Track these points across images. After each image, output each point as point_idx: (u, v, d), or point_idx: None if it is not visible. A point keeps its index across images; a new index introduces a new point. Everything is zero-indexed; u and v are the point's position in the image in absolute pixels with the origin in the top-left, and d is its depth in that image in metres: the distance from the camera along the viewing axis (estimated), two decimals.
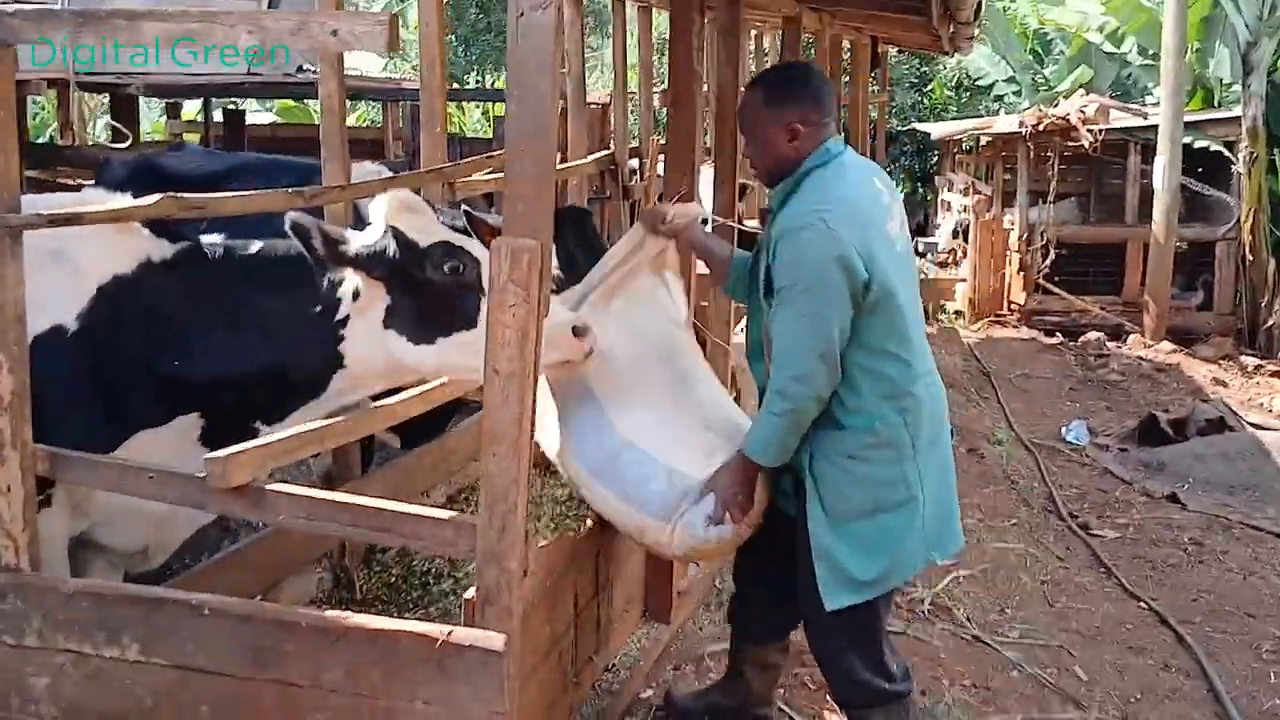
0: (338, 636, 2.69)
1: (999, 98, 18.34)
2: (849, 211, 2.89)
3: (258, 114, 18.37)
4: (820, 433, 3.00)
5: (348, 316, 3.05)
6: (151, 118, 17.06)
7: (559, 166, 7.01)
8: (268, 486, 2.81)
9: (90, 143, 12.27)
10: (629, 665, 3.89)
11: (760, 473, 3.06)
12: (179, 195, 3.14)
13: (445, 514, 2.75)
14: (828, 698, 3.93)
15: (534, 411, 2.56)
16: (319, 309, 3.06)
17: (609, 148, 7.54)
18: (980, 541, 5.76)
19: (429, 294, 3.02)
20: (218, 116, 12.56)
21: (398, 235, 3.03)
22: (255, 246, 3.19)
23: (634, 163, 7.90)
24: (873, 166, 3.17)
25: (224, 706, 2.78)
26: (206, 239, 3.23)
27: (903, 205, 3.14)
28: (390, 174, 4.44)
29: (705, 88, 6.45)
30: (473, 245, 3.09)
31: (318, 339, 3.07)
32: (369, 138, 13.81)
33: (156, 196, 3.09)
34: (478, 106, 18.80)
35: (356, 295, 3.04)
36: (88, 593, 2.85)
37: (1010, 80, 18.05)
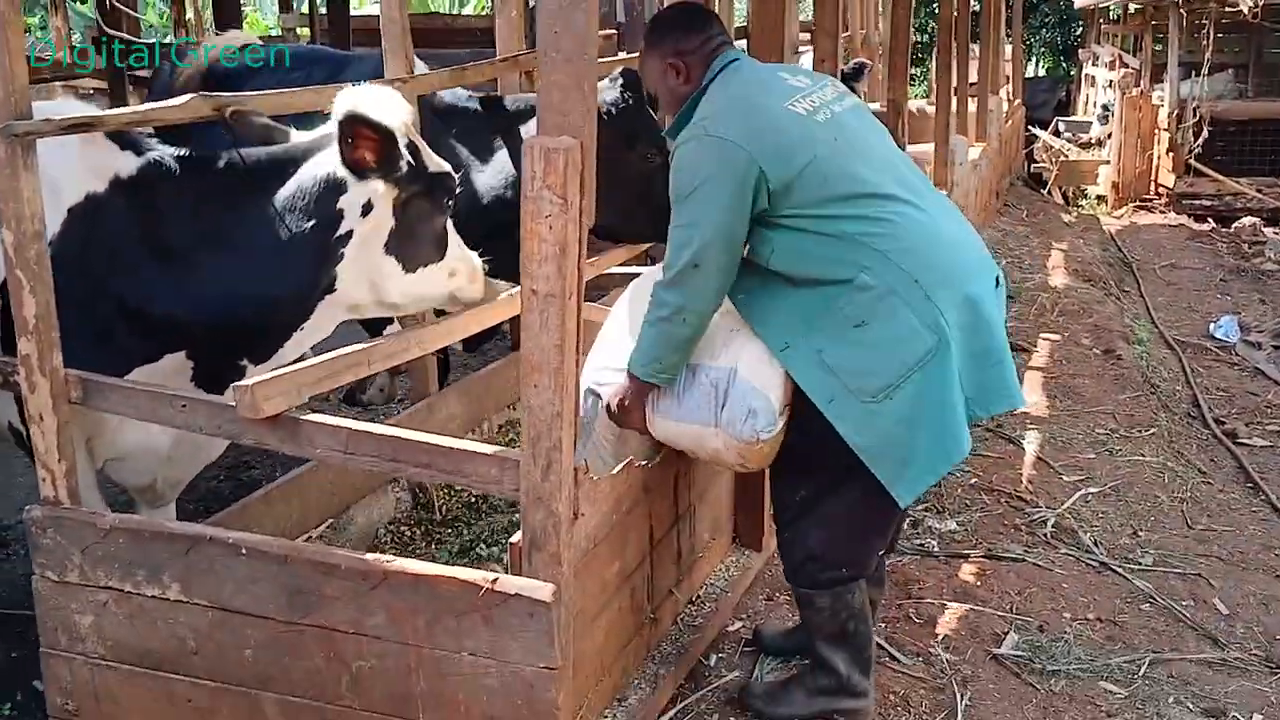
0: (378, 581, 2.48)
1: None
2: (731, 108, 2.77)
3: (374, 6, 18.14)
4: (817, 319, 2.75)
5: (350, 232, 2.78)
6: (273, 10, 17.07)
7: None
8: (303, 417, 2.58)
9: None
10: (715, 597, 3.62)
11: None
12: (210, 94, 2.89)
13: (489, 449, 2.48)
14: (935, 635, 3.62)
15: (578, 334, 2.25)
16: (313, 223, 2.77)
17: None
18: (1113, 454, 5.29)
19: (426, 221, 2.83)
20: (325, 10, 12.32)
21: (416, 154, 2.74)
22: (230, 155, 2.88)
23: (742, 44, 7.41)
24: (783, 66, 3.15)
25: (267, 650, 2.62)
26: (171, 150, 2.92)
27: (836, 84, 3.02)
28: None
29: None
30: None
31: (314, 258, 2.80)
32: (481, 26, 13.45)
33: (186, 97, 2.87)
34: None
35: (367, 211, 2.76)
36: (125, 529, 2.69)
37: None
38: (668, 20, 3.06)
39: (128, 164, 2.84)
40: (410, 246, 2.84)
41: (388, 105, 2.73)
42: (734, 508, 3.83)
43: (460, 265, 2.99)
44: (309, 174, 2.79)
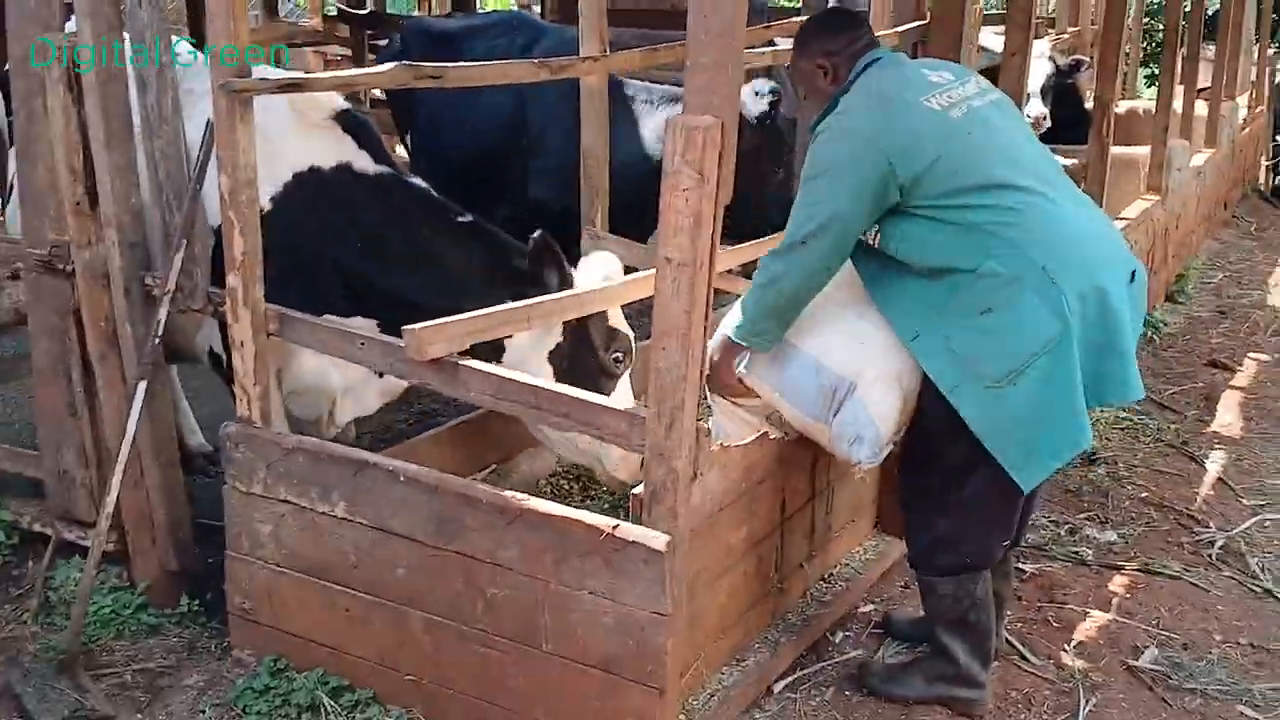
0: (514, 517, 2.70)
1: None
2: (867, 103, 2.87)
3: None
4: (945, 307, 2.80)
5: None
6: None
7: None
8: (460, 362, 2.83)
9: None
10: (848, 577, 3.70)
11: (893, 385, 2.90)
12: (414, 64, 3.15)
13: (621, 405, 2.66)
14: (1070, 641, 3.59)
15: (707, 303, 2.40)
16: (498, 289, 3.17)
17: (925, 18, 6.97)
18: None
19: (591, 376, 3.19)
20: None
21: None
22: (468, 218, 3.36)
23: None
24: (930, 61, 3.19)
25: (416, 571, 2.88)
26: (415, 180, 3.42)
27: (980, 80, 3.08)
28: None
29: None
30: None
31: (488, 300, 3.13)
32: (684, 9, 13.64)
33: (389, 65, 3.12)
34: None
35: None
36: (304, 449, 3.01)
37: None
38: (815, 25, 3.17)
39: (362, 160, 3.35)
40: (570, 376, 3.17)
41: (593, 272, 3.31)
42: (879, 492, 3.88)
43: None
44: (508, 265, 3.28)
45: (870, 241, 2.88)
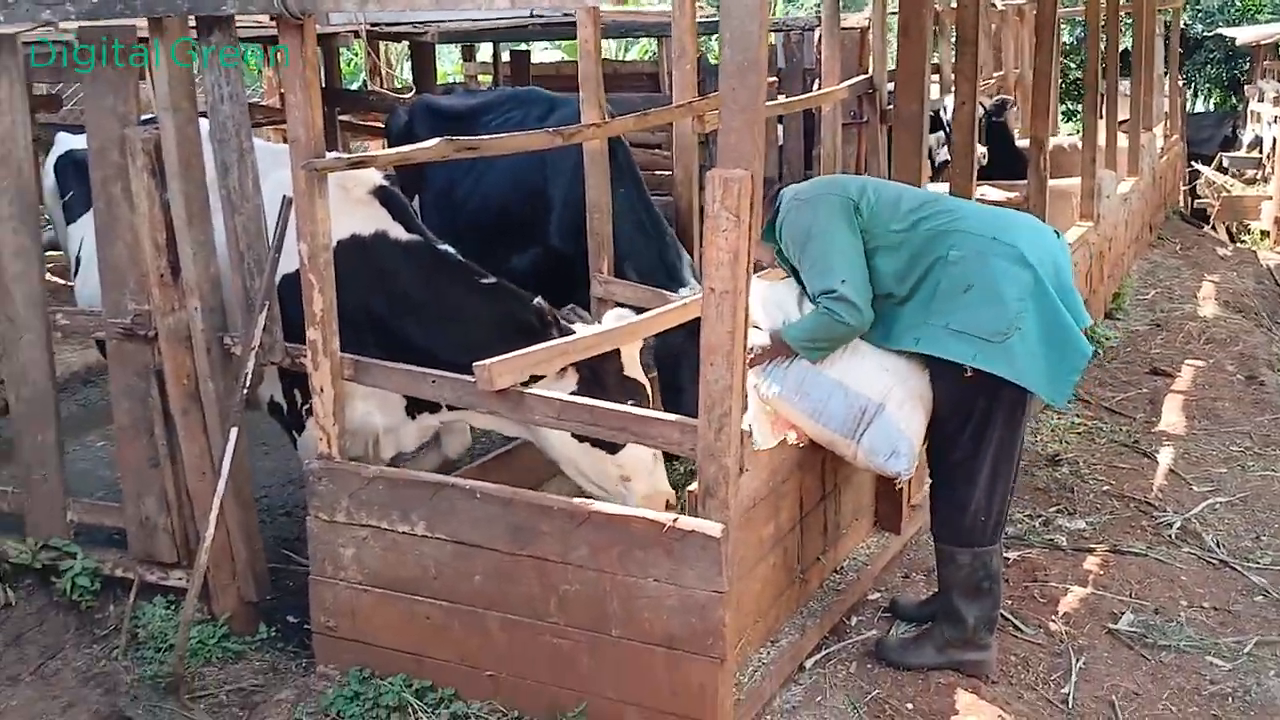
0: (583, 520, 3.12)
1: None
2: (802, 187, 3.61)
3: (547, 52, 19.22)
4: (931, 304, 3.38)
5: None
6: (453, 59, 18.28)
7: (814, 94, 7.17)
8: (526, 391, 3.26)
9: (397, 86, 13.44)
10: (856, 569, 4.15)
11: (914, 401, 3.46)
12: (454, 139, 3.60)
13: (672, 416, 3.10)
14: (1056, 612, 4.06)
15: (745, 325, 2.85)
16: (506, 343, 3.50)
17: (867, 72, 7.58)
18: (1245, 469, 5.57)
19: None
20: (506, 57, 13.34)
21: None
22: (491, 280, 3.77)
23: (893, 85, 7.92)
24: None
25: (492, 576, 3.28)
26: (444, 246, 3.85)
27: None
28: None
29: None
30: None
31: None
32: (646, 71, 14.30)
33: (435, 141, 3.56)
34: None
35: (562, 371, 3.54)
36: (384, 477, 3.41)
37: None
38: None
39: (397, 230, 3.80)
40: None
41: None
42: (875, 494, 4.35)
43: (638, 475, 3.57)
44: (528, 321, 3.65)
45: None
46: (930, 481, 3.66)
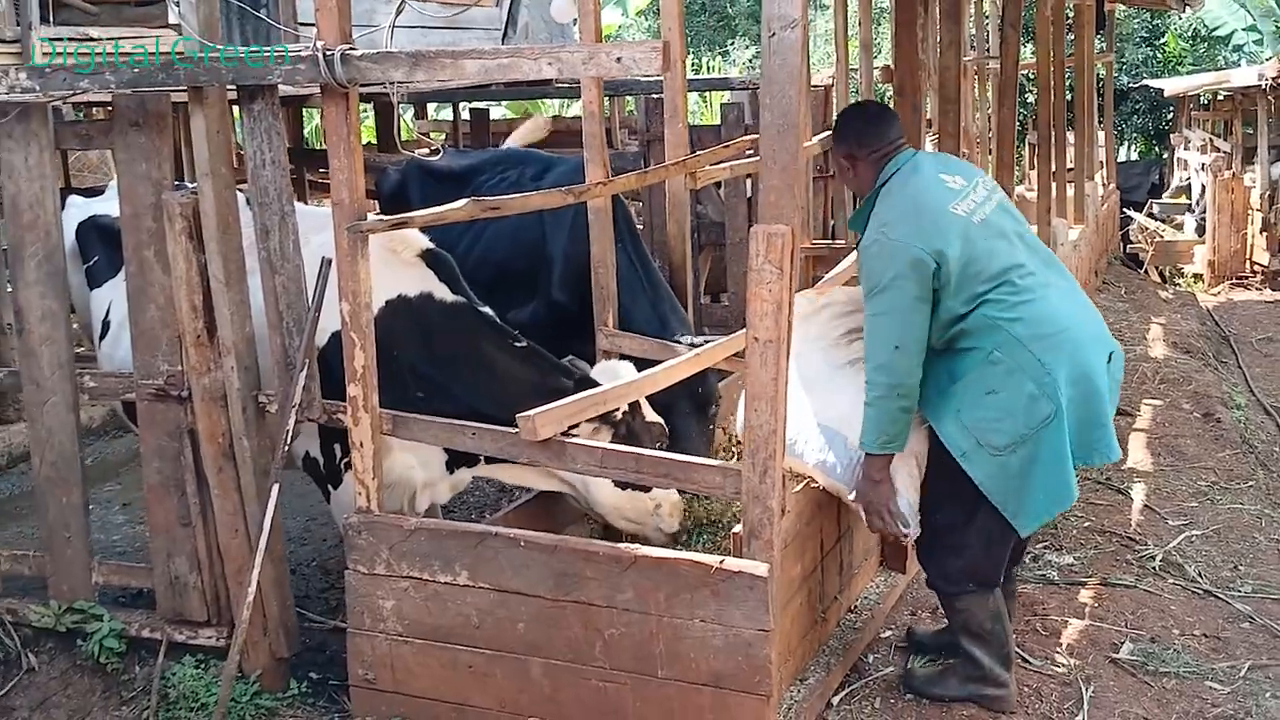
0: (629, 564, 3.23)
1: (1238, 48, 17.51)
2: (906, 214, 3.38)
3: (495, 109, 19.46)
4: (956, 384, 3.39)
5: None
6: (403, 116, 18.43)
7: None
8: (568, 440, 3.37)
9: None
10: (869, 608, 4.29)
11: (908, 459, 3.52)
12: (480, 199, 3.74)
13: (714, 462, 3.24)
14: (1059, 644, 4.23)
15: (787, 373, 3.01)
16: (538, 397, 3.66)
17: (831, 128, 7.87)
18: (1214, 502, 5.83)
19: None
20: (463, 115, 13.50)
21: (635, 411, 3.79)
22: (525, 342, 3.95)
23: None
24: (942, 160, 3.69)
25: (536, 623, 3.37)
26: (485, 309, 4.02)
27: (985, 180, 3.61)
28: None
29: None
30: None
31: None
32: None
33: (463, 202, 3.69)
34: (701, 96, 19.22)
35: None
36: (424, 529, 3.49)
37: (1250, 29, 17.18)
38: (845, 124, 3.73)
39: (442, 290, 3.94)
40: None
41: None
42: (880, 536, 4.50)
43: (666, 498, 3.82)
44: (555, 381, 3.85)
45: None
46: (921, 530, 3.73)
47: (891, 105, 4.59)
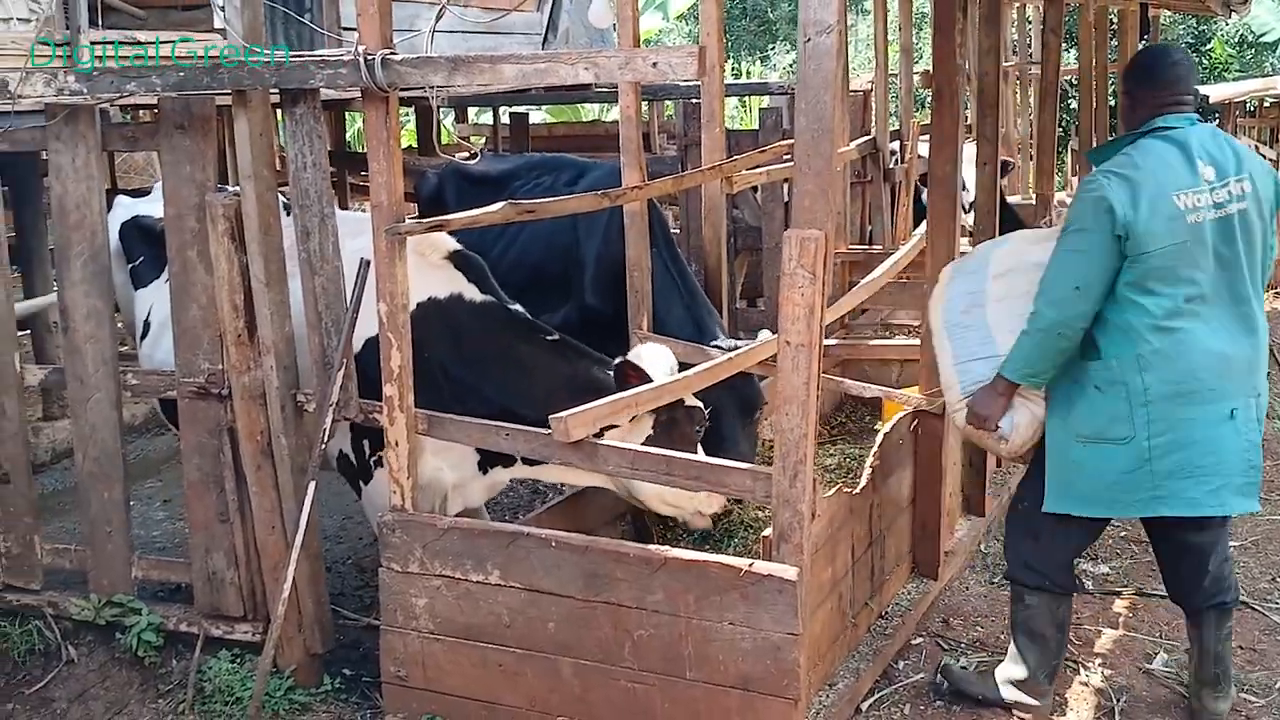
0: (659, 565, 3.25)
1: None
2: (1134, 176, 3.26)
3: (535, 113, 19.55)
4: (1073, 362, 3.40)
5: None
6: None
7: None
8: (600, 442, 3.40)
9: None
10: (900, 614, 4.28)
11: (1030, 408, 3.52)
12: (516, 202, 3.78)
13: (745, 465, 3.25)
14: (1093, 654, 4.20)
15: (819, 376, 3.02)
16: (571, 393, 3.68)
17: (870, 133, 7.86)
18: (1253, 515, 5.74)
19: (676, 442, 3.72)
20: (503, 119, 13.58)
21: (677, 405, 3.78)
22: (556, 336, 3.97)
23: (894, 145, 8.20)
24: (1214, 144, 3.35)
25: (566, 623, 3.40)
26: (515, 306, 4.04)
27: (1245, 184, 3.32)
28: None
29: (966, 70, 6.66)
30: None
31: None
32: (616, 131, 14.51)
33: (499, 205, 3.73)
34: (741, 101, 19.22)
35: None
36: (458, 528, 3.53)
37: None
38: (1140, 64, 3.57)
39: (471, 291, 3.98)
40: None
41: (658, 365, 3.87)
42: (912, 540, 4.49)
43: None
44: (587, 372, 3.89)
45: None
46: (1007, 515, 3.81)
47: (930, 110, 4.58)
